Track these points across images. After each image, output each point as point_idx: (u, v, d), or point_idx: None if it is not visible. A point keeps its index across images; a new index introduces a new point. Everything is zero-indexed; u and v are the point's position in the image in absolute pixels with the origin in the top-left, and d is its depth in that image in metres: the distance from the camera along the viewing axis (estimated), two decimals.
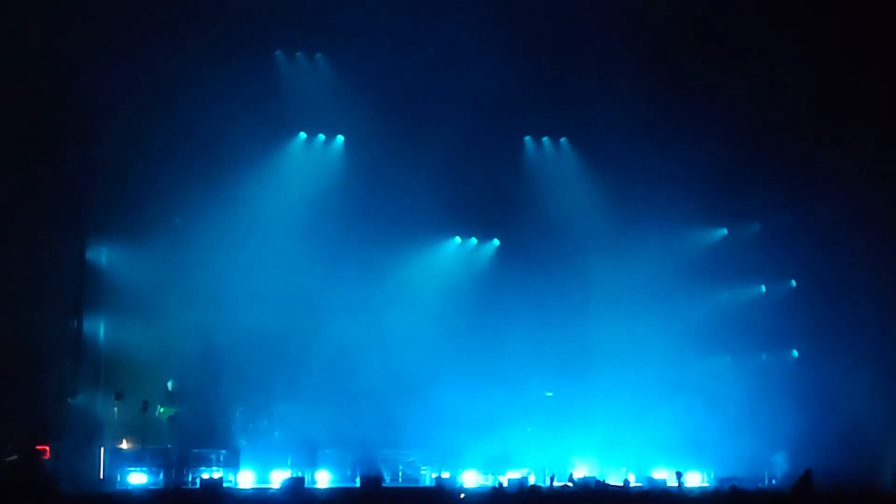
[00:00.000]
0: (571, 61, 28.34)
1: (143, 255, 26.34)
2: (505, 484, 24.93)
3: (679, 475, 26.13)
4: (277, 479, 24.21)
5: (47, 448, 22.79)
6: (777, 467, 26.83)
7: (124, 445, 24.44)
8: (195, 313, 26.73)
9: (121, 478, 23.53)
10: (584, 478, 25.66)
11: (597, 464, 27.61)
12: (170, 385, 26.07)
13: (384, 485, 24.01)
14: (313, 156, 29.08)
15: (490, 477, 26.65)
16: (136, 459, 23.97)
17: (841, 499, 14.56)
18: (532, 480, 26.08)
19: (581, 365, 28.99)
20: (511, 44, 27.37)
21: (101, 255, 26.53)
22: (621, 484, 25.58)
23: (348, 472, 25.80)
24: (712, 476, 27.34)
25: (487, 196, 29.61)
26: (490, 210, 29.99)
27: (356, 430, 26.89)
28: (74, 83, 24.37)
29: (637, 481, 26.62)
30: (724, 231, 30.26)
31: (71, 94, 24.47)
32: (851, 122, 26.36)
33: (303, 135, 28.97)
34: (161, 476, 23.75)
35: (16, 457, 21.95)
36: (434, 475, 26.10)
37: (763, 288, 30.07)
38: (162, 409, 25.60)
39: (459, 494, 21.86)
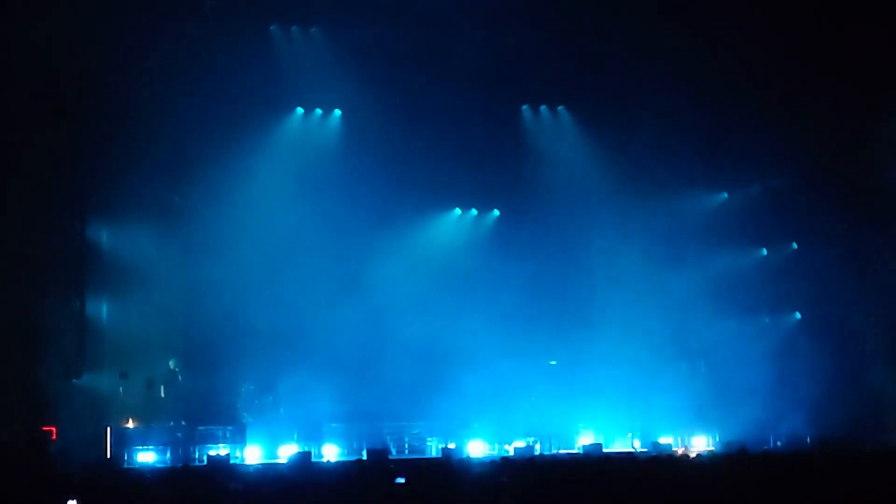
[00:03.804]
0: (568, 28, 28.17)
1: (144, 234, 26.27)
2: (511, 453, 24.99)
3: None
4: (284, 454, 24.26)
5: (54, 429, 22.81)
6: (783, 430, 26.89)
7: (130, 424, 24.45)
8: (197, 290, 26.75)
9: (128, 457, 23.56)
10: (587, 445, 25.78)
11: (602, 431, 27.67)
12: (171, 363, 26.05)
13: (391, 457, 24.03)
14: (311, 131, 29.00)
15: (496, 446, 26.74)
16: (142, 438, 23.98)
17: (849, 458, 14.62)
18: (538, 449, 26.14)
19: (584, 332, 29.01)
20: (506, 12, 27.24)
21: (102, 234, 26.46)
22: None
23: (355, 446, 25.85)
24: (718, 440, 27.41)
25: (487, 167, 29.52)
26: (490, 181, 29.91)
27: (361, 404, 26.96)
28: (71, 62, 24.28)
29: (643, 447, 26.67)
30: (725, 195, 30.16)
31: (68, 74, 24.38)
32: (850, 81, 26.27)
33: (300, 110, 28.88)
34: (168, 454, 23.79)
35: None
36: (440, 446, 26.15)
37: (764, 251, 30.03)
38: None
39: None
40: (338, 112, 29.11)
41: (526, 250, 29.83)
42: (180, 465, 22.79)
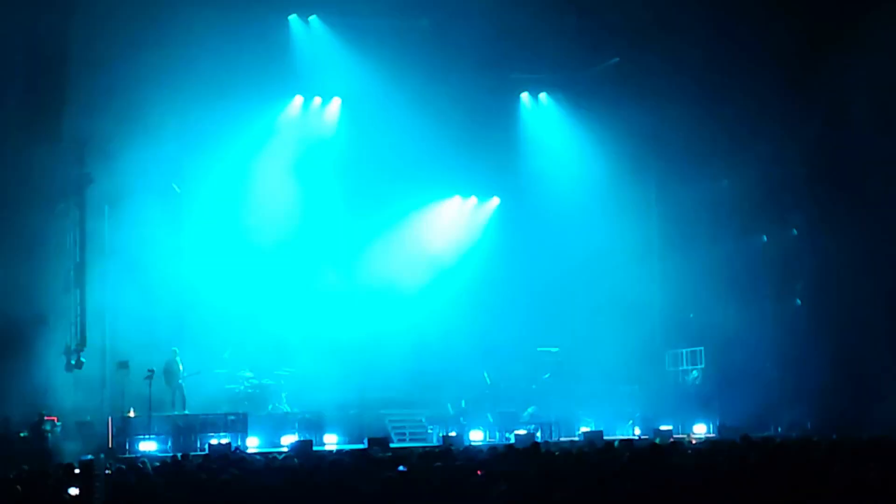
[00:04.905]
0: (567, 16, 28.11)
1: (144, 223, 26.27)
2: (513, 440, 25.03)
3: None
4: (286, 442, 24.27)
5: (55, 418, 22.84)
6: (784, 416, 26.89)
7: (132, 414, 24.46)
8: (198, 279, 26.77)
9: (130, 446, 23.57)
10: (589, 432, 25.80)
11: (604, 418, 27.70)
12: (173, 353, 26.06)
13: (392, 444, 24.03)
14: (313, 118, 29.02)
15: (497, 434, 26.76)
16: (144, 427, 23.99)
17: (851, 447, 14.65)
18: (539, 436, 26.15)
19: (586, 319, 29.03)
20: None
21: (103, 223, 26.44)
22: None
23: (356, 434, 25.86)
24: (718, 426, 27.41)
25: (487, 154, 29.51)
26: (490, 168, 29.93)
27: (363, 392, 27.00)
28: (73, 49, 24.30)
29: (643, 434, 26.69)
30: (725, 181, 30.11)
31: (69, 61, 24.38)
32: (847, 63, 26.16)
33: (301, 97, 28.88)
34: (169, 443, 23.80)
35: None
36: (441, 434, 26.16)
37: (764, 237, 29.99)
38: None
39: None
40: (339, 100, 29.12)
41: (527, 237, 29.88)
42: (181, 454, 22.82)
